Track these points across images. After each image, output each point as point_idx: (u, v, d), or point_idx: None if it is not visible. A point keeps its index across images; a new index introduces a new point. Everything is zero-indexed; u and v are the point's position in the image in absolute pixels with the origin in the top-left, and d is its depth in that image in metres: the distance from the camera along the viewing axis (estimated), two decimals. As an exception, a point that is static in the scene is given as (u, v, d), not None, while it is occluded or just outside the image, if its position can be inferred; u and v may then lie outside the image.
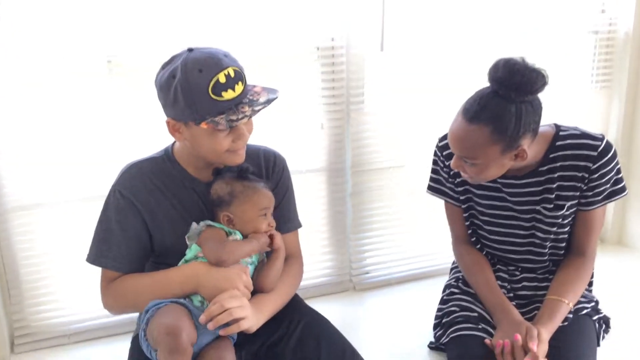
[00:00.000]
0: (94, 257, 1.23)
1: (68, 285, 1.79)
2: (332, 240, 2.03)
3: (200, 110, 1.09)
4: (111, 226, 1.22)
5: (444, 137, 1.49)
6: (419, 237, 2.14)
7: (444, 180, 1.53)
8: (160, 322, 1.04)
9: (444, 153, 1.50)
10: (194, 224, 1.20)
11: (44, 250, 1.75)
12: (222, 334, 1.10)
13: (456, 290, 1.56)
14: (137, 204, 1.20)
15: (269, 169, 1.29)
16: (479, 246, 1.54)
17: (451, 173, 1.49)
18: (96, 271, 1.28)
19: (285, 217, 1.35)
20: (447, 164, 1.48)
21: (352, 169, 1.97)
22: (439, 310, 1.58)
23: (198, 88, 1.08)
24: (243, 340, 1.23)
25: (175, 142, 1.27)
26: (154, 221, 1.22)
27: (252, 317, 1.12)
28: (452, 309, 1.50)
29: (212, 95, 1.08)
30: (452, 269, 1.69)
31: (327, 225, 2.02)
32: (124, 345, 1.35)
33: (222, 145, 1.14)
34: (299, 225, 1.40)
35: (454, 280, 1.62)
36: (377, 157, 2.01)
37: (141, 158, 1.27)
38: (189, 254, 1.20)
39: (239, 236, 1.20)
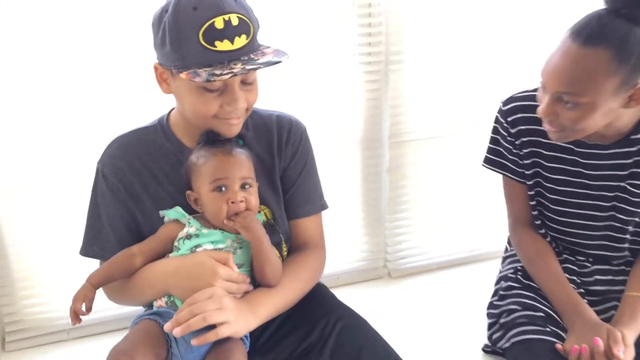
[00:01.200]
0: (84, 246, 1.11)
1: (66, 276, 1.65)
2: (365, 221, 1.90)
3: (186, 56, 0.93)
4: (98, 212, 1.09)
5: (510, 100, 1.30)
6: (464, 218, 1.99)
7: (507, 151, 1.35)
8: (115, 348, 0.92)
9: (510, 119, 1.30)
10: (172, 210, 1.05)
11: (38, 236, 1.63)
12: (194, 343, 0.91)
13: (515, 284, 1.36)
14: (121, 187, 1.06)
15: (282, 138, 1.11)
16: (542, 231, 1.35)
17: (517, 143, 1.30)
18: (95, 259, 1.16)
19: (303, 198, 1.15)
20: (512, 131, 1.30)
21: (389, 139, 1.82)
22: (493, 306, 1.39)
23: (187, 29, 0.92)
24: (263, 347, 1.07)
25: (173, 108, 1.10)
26: (141, 208, 1.07)
27: (238, 320, 0.94)
28: (512, 307, 1.31)
29: (203, 42, 0.91)
30: (506, 258, 1.50)
31: (360, 204, 1.88)
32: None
33: (209, 107, 0.97)
34: (322, 208, 1.19)
35: (511, 271, 1.42)
36: (418, 126, 1.84)
37: (129, 130, 1.11)
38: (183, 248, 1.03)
39: (193, 226, 1.01)
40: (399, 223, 1.95)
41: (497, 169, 1.39)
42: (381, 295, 1.86)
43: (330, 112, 1.75)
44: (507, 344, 1.27)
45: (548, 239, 1.36)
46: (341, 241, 1.82)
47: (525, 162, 1.32)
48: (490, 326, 1.40)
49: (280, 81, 1.55)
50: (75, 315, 0.96)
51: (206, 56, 0.92)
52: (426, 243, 1.99)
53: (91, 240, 1.10)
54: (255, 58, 0.94)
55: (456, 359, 1.51)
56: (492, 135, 1.37)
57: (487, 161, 1.40)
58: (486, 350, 1.42)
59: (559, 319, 1.26)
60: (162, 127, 1.09)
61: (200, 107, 0.97)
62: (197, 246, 0.99)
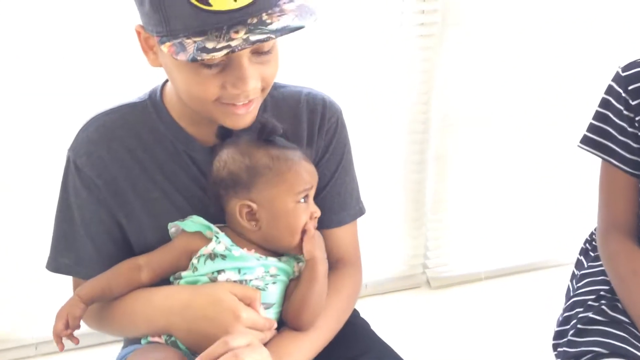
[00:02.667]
0: (52, 259, 0.94)
1: (34, 286, 1.55)
2: (402, 218, 1.75)
3: (171, 19, 0.75)
4: (71, 214, 0.92)
5: (634, 65, 1.13)
6: (522, 220, 1.85)
7: (618, 131, 1.17)
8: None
9: (632, 87, 1.13)
10: (188, 221, 0.89)
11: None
12: None
13: (598, 317, 1.15)
14: (100, 184, 0.90)
15: (314, 125, 0.96)
16: None
17: (638, 119, 1.12)
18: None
19: (338, 203, 1.01)
20: (633, 104, 1.13)
21: (440, 122, 1.66)
22: (568, 344, 1.17)
23: None
24: None
25: (167, 80, 0.92)
26: (126, 212, 0.92)
27: None
28: (596, 349, 1.10)
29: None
30: (584, 276, 1.29)
31: (398, 198, 1.73)
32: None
33: (207, 90, 0.79)
34: (360, 213, 1.05)
35: (591, 297, 1.21)
36: (475, 107, 1.67)
37: (110, 107, 0.93)
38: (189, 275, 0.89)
39: (222, 242, 0.86)
40: (444, 223, 1.80)
41: (599, 153, 1.21)
42: (417, 308, 1.75)
43: (368, 88, 1.60)
44: (594, 400, 1.05)
45: None
46: (371, 241, 1.67)
47: None
48: None
49: (303, 46, 1.41)
50: (59, 339, 0.84)
51: (198, 18, 0.73)
52: (474, 247, 1.85)
53: (62, 252, 0.93)
54: (268, 20, 0.75)
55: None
56: (599, 109, 1.19)
57: (587, 141, 1.22)
58: None
59: (661, 370, 1.03)
60: (154, 105, 0.91)
61: (195, 89, 0.79)
62: (219, 271, 0.84)
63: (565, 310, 1.26)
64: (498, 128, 1.71)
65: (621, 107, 1.13)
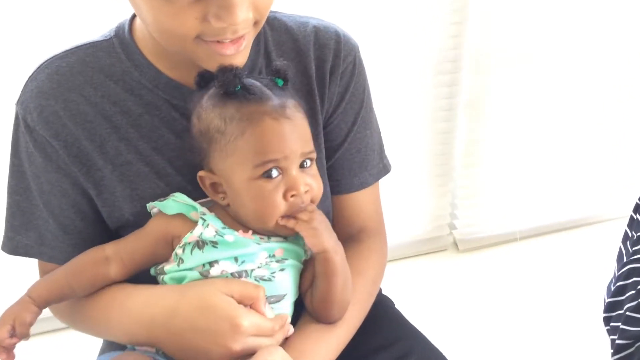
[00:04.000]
0: (7, 239, 0.82)
1: None
2: (428, 174, 1.67)
3: None
4: (26, 184, 0.80)
5: None
6: (561, 174, 1.77)
7: None
8: None
9: None
10: (169, 200, 0.75)
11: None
12: None
13: None
14: (58, 146, 0.76)
15: (325, 65, 0.83)
16: None
17: None
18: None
19: (358, 161, 0.89)
20: None
21: (474, 59, 1.55)
22: (626, 320, 1.04)
23: None
24: None
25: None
26: (94, 179, 0.79)
27: None
28: None
29: None
30: (639, 238, 1.14)
31: (423, 152, 1.63)
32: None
33: (184, 24, 0.66)
34: (385, 171, 0.93)
35: None
36: (516, 39, 1.54)
37: (65, 48, 0.78)
38: (180, 268, 0.74)
39: (211, 225, 0.72)
40: (475, 179, 1.71)
41: None
42: (443, 273, 1.68)
43: (389, 21, 1.45)
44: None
45: None
46: (390, 199, 1.53)
47: None
48: (620, 349, 1.06)
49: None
50: (2, 349, 0.72)
51: None
52: (508, 204, 1.75)
53: (19, 230, 0.81)
54: None
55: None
56: None
57: None
58: None
59: None
60: (122, 43, 0.77)
61: (169, 24, 0.66)
62: (211, 263, 0.72)
63: (618, 278, 1.12)
64: (539, 68, 1.59)
65: None
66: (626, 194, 1.57)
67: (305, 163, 0.73)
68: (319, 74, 0.82)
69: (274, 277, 0.73)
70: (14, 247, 0.81)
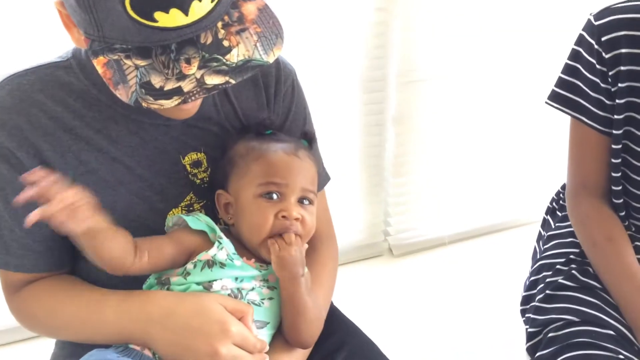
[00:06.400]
0: None
1: None
2: (362, 184, 1.72)
3: (105, 25, 0.66)
4: None
5: (608, 12, 1.08)
6: (485, 180, 1.84)
7: (589, 86, 1.12)
8: None
9: (605, 38, 1.07)
10: (193, 217, 0.83)
11: None
12: None
13: (568, 282, 1.13)
14: (21, 156, 0.79)
15: (269, 88, 0.92)
16: (620, 201, 1.14)
17: (611, 74, 1.08)
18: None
19: None
20: (606, 57, 1.08)
21: (398, 78, 1.60)
22: (536, 310, 1.15)
23: None
24: None
25: None
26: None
27: None
28: (567, 317, 1.08)
29: (131, 12, 0.65)
30: (551, 237, 1.26)
31: (357, 163, 1.69)
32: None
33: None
34: (328, 179, 1.03)
35: (560, 260, 1.19)
36: (436, 62, 1.62)
37: (24, 67, 0.82)
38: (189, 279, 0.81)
39: (225, 249, 0.81)
40: (405, 188, 1.77)
41: (568, 110, 1.16)
42: (380, 277, 1.72)
43: (320, 43, 1.52)
44: (563, 372, 1.04)
45: (622, 214, 1.15)
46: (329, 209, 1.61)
47: (618, 102, 1.08)
48: (531, 336, 1.16)
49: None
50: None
51: (140, 34, 0.65)
52: (437, 211, 1.82)
53: None
54: (226, 42, 0.68)
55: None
56: (569, 62, 1.13)
57: (555, 98, 1.17)
58: None
59: (633, 339, 1.04)
60: (79, 64, 0.81)
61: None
62: (214, 281, 0.79)
63: (532, 273, 1.25)
64: (460, 85, 1.66)
65: (593, 61, 1.08)
66: (541, 199, 1.66)
67: (304, 200, 0.82)
68: (267, 97, 0.90)
69: (262, 303, 0.80)
70: None
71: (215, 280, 0.78)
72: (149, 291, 0.79)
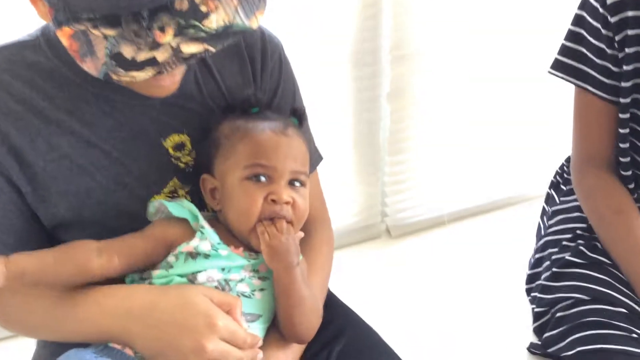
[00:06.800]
0: None
1: None
2: (357, 165, 1.70)
3: None
4: None
5: None
6: (486, 156, 1.80)
7: (594, 52, 1.10)
8: None
9: (610, 1, 1.05)
10: (176, 203, 0.80)
11: None
12: None
13: (576, 259, 1.11)
14: None
15: (255, 63, 0.89)
16: (629, 173, 1.12)
17: (617, 39, 1.06)
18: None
19: None
20: (612, 21, 1.06)
21: (392, 52, 1.56)
22: (543, 289, 1.14)
23: None
24: None
25: None
26: (29, 175, 0.78)
27: None
28: (575, 295, 1.07)
29: None
30: (555, 212, 1.25)
31: (350, 142, 1.66)
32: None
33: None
34: (320, 159, 1.00)
35: (567, 236, 1.18)
36: (433, 34, 1.57)
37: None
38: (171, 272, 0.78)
39: (208, 239, 0.78)
40: (402, 167, 1.74)
41: (572, 79, 1.14)
42: (378, 260, 1.70)
43: (307, 13, 1.47)
44: (571, 352, 1.03)
45: (631, 186, 1.13)
46: (323, 192, 1.59)
47: (625, 68, 1.06)
48: (538, 316, 1.16)
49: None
50: None
51: (107, 0, 0.62)
52: (436, 190, 1.80)
53: None
54: (203, 7, 0.64)
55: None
56: (572, 28, 1.11)
57: (559, 67, 1.15)
58: (534, 351, 1.17)
59: (644, 316, 1.03)
60: (48, 41, 0.78)
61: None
62: (200, 271, 0.76)
63: (536, 251, 1.23)
64: (458, 57, 1.63)
65: (598, 25, 1.05)
66: (544, 173, 1.65)
67: (295, 182, 0.79)
68: (253, 71, 0.87)
69: (253, 294, 0.77)
70: None
71: (200, 271, 0.74)
72: (128, 285, 0.76)
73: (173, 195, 0.81)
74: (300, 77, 0.99)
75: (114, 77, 0.62)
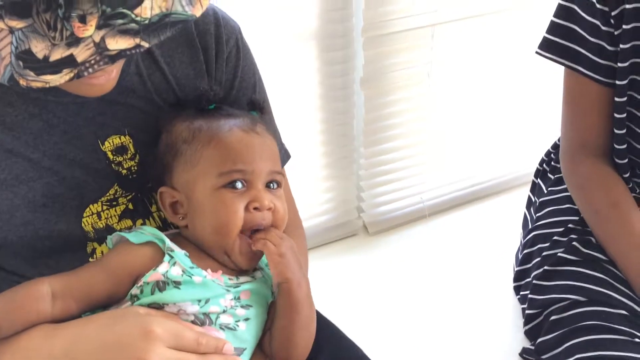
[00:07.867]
0: None
1: None
2: (329, 158, 1.65)
3: None
4: None
5: None
6: (468, 142, 1.78)
7: (587, 30, 1.06)
8: None
9: None
10: (137, 232, 0.72)
11: None
12: None
13: (569, 256, 1.07)
14: None
15: (209, 50, 0.81)
16: (624, 161, 1.09)
17: (614, 14, 1.01)
18: None
19: None
20: None
21: (364, 33, 1.48)
22: (534, 289, 1.10)
23: None
24: None
25: None
26: None
27: None
28: (571, 296, 1.03)
29: None
30: (544, 203, 1.21)
31: (320, 134, 1.60)
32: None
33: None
34: (288, 157, 0.95)
35: (559, 230, 1.13)
36: (412, 8, 1.49)
37: None
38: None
39: (178, 264, 0.69)
40: (378, 159, 1.70)
41: (563, 60, 1.09)
42: (355, 259, 1.66)
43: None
44: (569, 360, 1.00)
45: (625, 175, 1.09)
46: (295, 189, 1.53)
47: (622, 47, 1.01)
48: (530, 318, 1.12)
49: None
50: None
51: None
52: (415, 183, 1.77)
53: None
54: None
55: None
56: (562, 2, 1.06)
57: (547, 46, 1.10)
58: (527, 358, 1.14)
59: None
60: None
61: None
62: (166, 305, 0.68)
63: (524, 245, 1.18)
64: (436, 38, 1.57)
65: (591, 1, 0.99)
66: (528, 161, 1.62)
67: (272, 184, 0.74)
68: (207, 61, 0.80)
69: (238, 326, 0.70)
70: None
71: (167, 304, 0.66)
72: (47, 325, 0.66)
73: (112, 204, 0.72)
74: (262, 65, 0.92)
75: (22, 82, 0.53)
